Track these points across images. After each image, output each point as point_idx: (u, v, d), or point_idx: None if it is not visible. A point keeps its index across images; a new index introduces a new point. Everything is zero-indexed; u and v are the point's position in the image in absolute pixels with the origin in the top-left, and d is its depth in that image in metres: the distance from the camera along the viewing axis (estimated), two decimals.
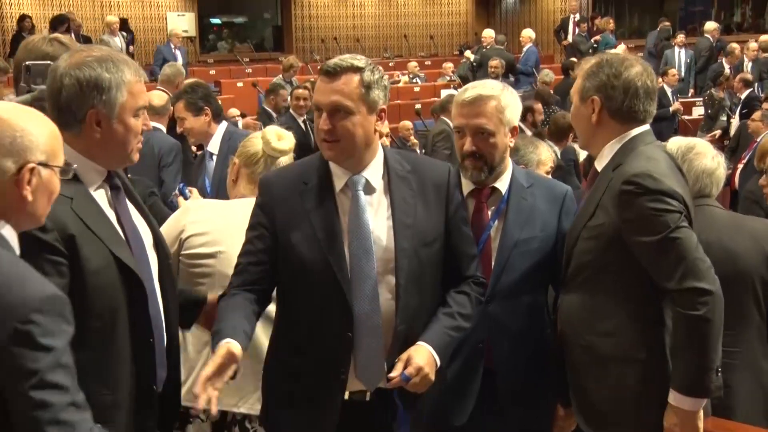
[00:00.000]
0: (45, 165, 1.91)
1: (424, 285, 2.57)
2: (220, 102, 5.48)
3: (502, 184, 2.90)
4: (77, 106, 2.21)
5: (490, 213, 2.86)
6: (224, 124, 5.03)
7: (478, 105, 2.82)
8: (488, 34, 14.25)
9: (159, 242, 2.48)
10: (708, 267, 2.52)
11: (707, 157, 3.19)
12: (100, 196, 2.32)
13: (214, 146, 4.97)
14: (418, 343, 2.48)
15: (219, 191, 4.75)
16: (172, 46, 13.23)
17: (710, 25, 15.15)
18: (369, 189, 2.55)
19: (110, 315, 2.24)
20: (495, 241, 2.84)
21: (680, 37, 14.45)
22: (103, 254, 2.20)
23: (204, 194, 4.60)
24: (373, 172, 2.57)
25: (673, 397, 2.55)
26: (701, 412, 2.56)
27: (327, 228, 2.51)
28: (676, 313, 2.52)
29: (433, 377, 2.46)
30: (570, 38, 16.00)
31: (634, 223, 2.54)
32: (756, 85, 12.31)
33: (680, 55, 14.08)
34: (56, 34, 2.95)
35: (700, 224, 3.20)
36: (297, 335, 2.57)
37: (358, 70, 2.47)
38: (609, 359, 2.65)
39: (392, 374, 2.41)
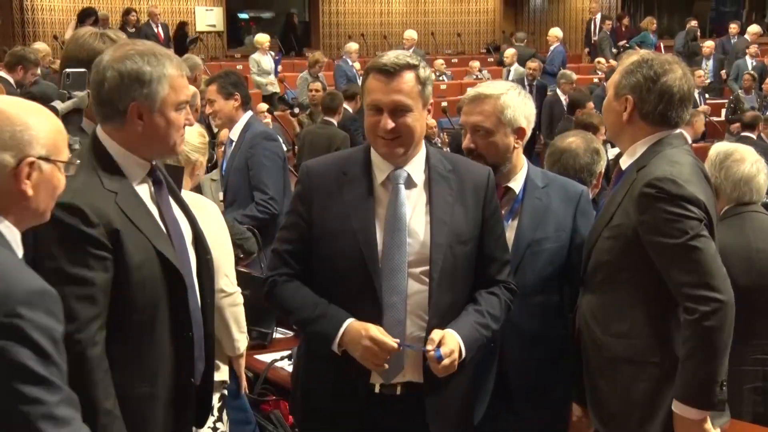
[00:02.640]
0: (46, 159, 1.87)
1: (457, 282, 2.57)
2: (248, 90, 5.55)
3: (516, 184, 2.90)
4: (119, 99, 2.22)
5: (504, 213, 2.84)
6: (249, 114, 5.14)
7: (476, 104, 2.85)
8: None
9: (198, 238, 2.49)
10: (724, 277, 2.49)
11: (746, 163, 3.14)
12: (143, 191, 2.34)
13: (235, 133, 5.10)
14: (448, 330, 2.48)
15: (229, 177, 4.97)
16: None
17: (753, 28, 15.01)
18: (410, 183, 2.57)
19: (151, 309, 2.26)
20: (509, 241, 2.82)
21: (753, 48, 13.98)
22: (146, 249, 2.22)
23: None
24: (416, 167, 2.58)
25: (676, 406, 2.52)
26: (708, 422, 2.52)
27: (363, 219, 2.53)
28: (685, 321, 2.49)
29: (456, 367, 2.45)
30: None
31: (651, 227, 2.52)
32: None
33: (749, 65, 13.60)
34: (105, 30, 2.94)
35: (748, 231, 3.16)
36: None
37: (413, 67, 2.50)
38: (621, 361, 2.64)
39: (428, 347, 2.42)
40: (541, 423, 2.91)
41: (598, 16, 16.24)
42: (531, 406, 2.85)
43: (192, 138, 3.30)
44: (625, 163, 2.71)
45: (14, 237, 1.86)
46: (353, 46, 13.46)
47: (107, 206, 2.16)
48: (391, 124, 2.47)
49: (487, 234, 2.63)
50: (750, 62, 13.42)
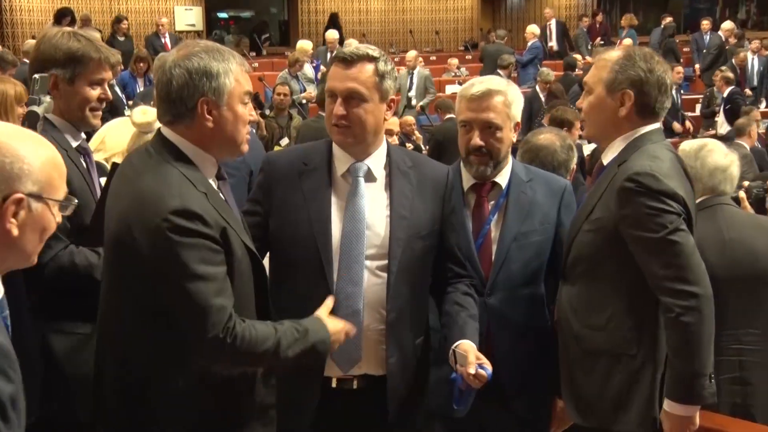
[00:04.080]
0: (37, 197, 1.66)
1: (415, 276, 2.59)
2: None
3: (503, 179, 2.91)
4: (188, 95, 2.19)
5: (490, 207, 2.87)
6: None
7: (486, 100, 2.83)
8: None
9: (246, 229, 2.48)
10: (702, 271, 2.52)
11: (719, 153, 3.19)
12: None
13: None
14: (466, 341, 2.51)
15: None
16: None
17: (727, 24, 15.08)
18: (370, 177, 2.58)
19: (246, 299, 2.27)
20: (495, 234, 2.86)
21: (755, 43, 13.96)
22: (238, 243, 2.23)
23: None
24: (376, 161, 2.60)
25: (667, 404, 2.55)
26: (697, 417, 2.56)
27: (319, 209, 2.55)
28: (666, 319, 2.52)
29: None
30: (555, 45, 15.92)
31: (631, 221, 2.54)
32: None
33: (753, 62, 13.55)
34: (75, 29, 2.95)
35: (721, 222, 3.19)
36: (279, 310, 2.48)
37: (373, 59, 2.53)
38: (598, 353, 2.66)
39: (479, 371, 2.43)
40: (527, 413, 2.93)
41: (553, 22, 16.22)
42: (519, 397, 2.88)
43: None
44: (607, 158, 2.72)
45: None
46: (334, 34, 13.21)
47: (208, 207, 2.15)
48: (342, 111, 2.50)
49: (449, 230, 2.67)
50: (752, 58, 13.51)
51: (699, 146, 3.23)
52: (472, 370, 2.41)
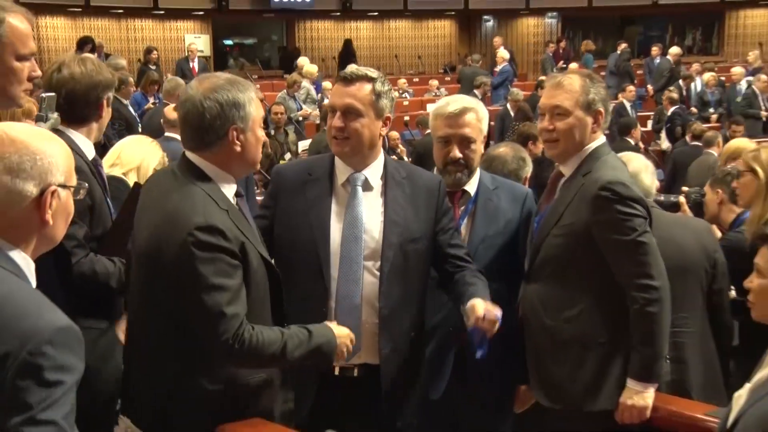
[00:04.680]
0: (63, 186, 1.68)
1: (408, 276, 2.58)
2: None
3: (471, 187, 2.92)
4: (220, 125, 2.20)
5: (460, 212, 2.88)
6: None
7: (462, 116, 2.84)
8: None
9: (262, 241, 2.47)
10: (661, 267, 2.57)
11: (634, 161, 3.18)
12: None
13: None
14: (477, 299, 2.48)
15: None
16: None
17: (674, 50, 15.17)
18: (367, 186, 2.59)
19: (261, 305, 2.27)
20: (465, 236, 2.86)
21: (695, 66, 14.04)
22: (255, 255, 2.24)
23: None
24: (373, 172, 2.60)
25: (631, 383, 2.59)
26: (652, 391, 2.60)
27: (320, 215, 2.56)
28: (633, 310, 2.56)
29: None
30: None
31: (605, 225, 2.56)
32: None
33: (696, 84, 13.38)
34: (84, 54, 2.93)
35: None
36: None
37: (371, 79, 2.54)
38: (570, 343, 2.66)
39: (488, 316, 2.41)
40: (491, 397, 2.93)
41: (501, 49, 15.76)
42: (484, 383, 2.87)
43: (151, 152, 3.31)
44: (567, 169, 2.72)
45: (30, 268, 1.67)
46: (312, 68, 12.70)
47: (229, 223, 2.17)
48: (340, 124, 2.51)
49: (443, 232, 2.66)
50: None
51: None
52: (480, 313, 2.40)
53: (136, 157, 3.25)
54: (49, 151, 1.66)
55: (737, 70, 13.00)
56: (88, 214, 2.65)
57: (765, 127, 11.37)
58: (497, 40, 16.72)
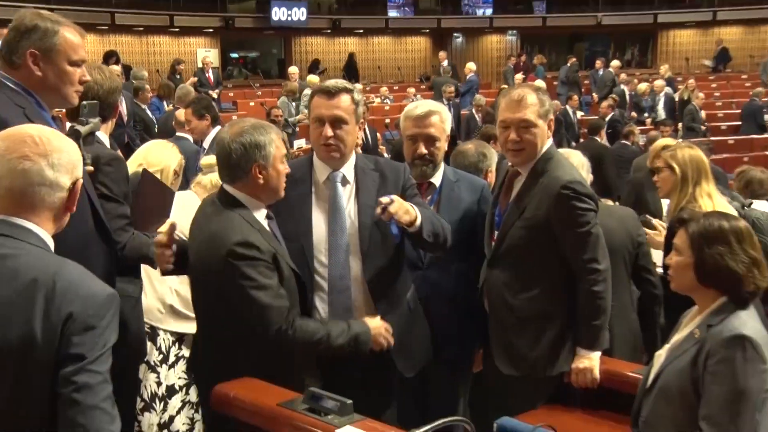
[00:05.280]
0: (78, 180, 1.69)
1: (387, 251, 2.57)
2: (217, 111, 5.58)
3: (436, 179, 2.92)
4: (245, 163, 2.29)
5: (426, 201, 2.85)
6: (218, 128, 4.99)
7: (428, 118, 2.84)
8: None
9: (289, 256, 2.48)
10: (606, 253, 2.61)
11: (573, 156, 3.15)
12: (264, 224, 2.39)
13: (206, 143, 5.09)
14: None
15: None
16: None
17: (615, 63, 15.32)
18: (344, 181, 2.57)
19: (290, 312, 2.30)
20: None
21: (623, 76, 14.08)
22: (286, 266, 2.32)
23: None
24: (348, 169, 2.59)
25: (580, 352, 2.62)
26: (598, 355, 2.62)
27: (302, 210, 2.54)
28: (581, 289, 2.58)
29: (412, 213, 2.41)
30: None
31: (565, 220, 2.58)
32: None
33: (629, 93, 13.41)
34: (100, 64, 2.94)
35: None
36: None
37: (349, 91, 2.54)
38: (532, 318, 2.66)
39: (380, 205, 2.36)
40: (455, 358, 2.93)
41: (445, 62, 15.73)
42: (449, 346, 2.87)
43: (171, 155, 3.32)
44: (525, 170, 2.70)
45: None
46: (314, 78, 12.54)
47: (261, 239, 2.26)
48: (331, 133, 2.49)
49: (409, 198, 2.56)
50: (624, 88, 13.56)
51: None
52: (378, 209, 2.36)
53: (162, 161, 3.29)
54: (72, 149, 1.68)
55: (659, 82, 13.11)
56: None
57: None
58: (441, 54, 16.52)
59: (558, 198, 2.57)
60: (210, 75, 13.01)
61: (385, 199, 2.35)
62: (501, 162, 3.23)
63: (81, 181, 1.69)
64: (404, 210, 2.38)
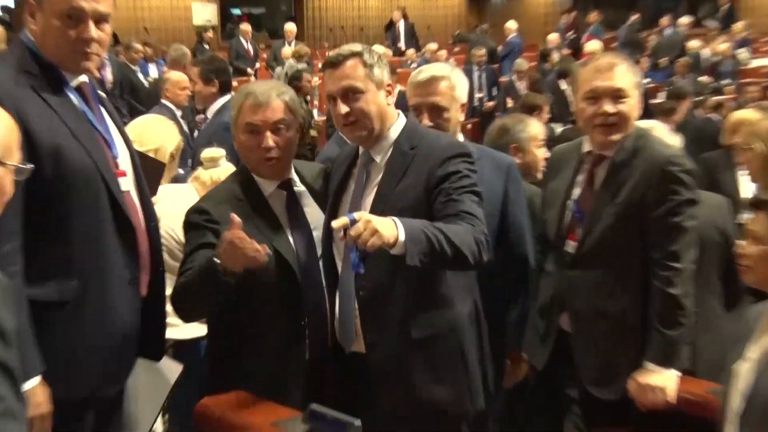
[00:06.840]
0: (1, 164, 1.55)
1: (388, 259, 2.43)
2: (230, 77, 5.37)
3: None
4: None
5: None
6: (226, 98, 4.89)
7: (431, 85, 2.76)
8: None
9: None
10: (694, 253, 2.57)
11: (658, 127, 3.14)
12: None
13: (209, 114, 5.00)
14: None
15: (196, 151, 4.28)
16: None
17: (683, 20, 15.07)
18: (370, 163, 2.45)
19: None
20: None
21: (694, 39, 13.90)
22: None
23: None
24: (381, 148, 2.44)
25: (649, 366, 2.52)
26: (675, 375, 2.51)
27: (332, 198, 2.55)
28: (656, 289, 2.50)
29: (386, 235, 2.04)
30: (403, 46, 15.52)
31: (661, 200, 2.52)
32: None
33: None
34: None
35: None
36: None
37: (357, 54, 2.41)
38: (634, 329, 2.57)
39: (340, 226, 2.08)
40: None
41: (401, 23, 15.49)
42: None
43: (169, 135, 3.33)
44: (611, 151, 2.62)
45: None
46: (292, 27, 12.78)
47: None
48: (345, 109, 2.38)
49: (440, 195, 2.33)
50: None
51: None
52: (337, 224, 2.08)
53: (157, 139, 3.27)
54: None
55: (722, 46, 12.78)
56: None
57: None
58: (396, 13, 16.48)
59: (662, 176, 2.50)
60: (249, 48, 12.74)
61: (342, 220, 2.05)
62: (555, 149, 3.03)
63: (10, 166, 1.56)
64: (371, 231, 2.02)
